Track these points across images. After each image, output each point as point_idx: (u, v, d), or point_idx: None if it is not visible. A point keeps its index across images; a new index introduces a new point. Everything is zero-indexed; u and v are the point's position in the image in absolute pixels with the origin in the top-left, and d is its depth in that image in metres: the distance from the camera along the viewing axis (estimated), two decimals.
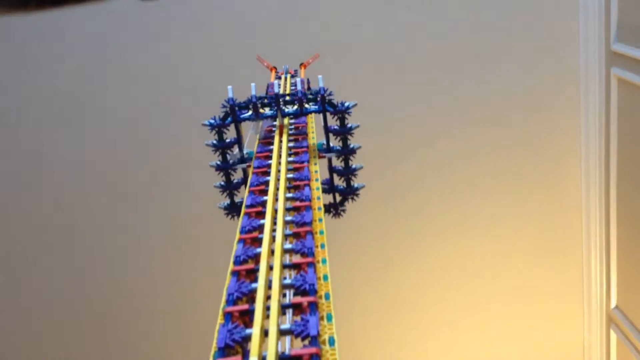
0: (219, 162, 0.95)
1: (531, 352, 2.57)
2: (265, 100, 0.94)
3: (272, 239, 0.65)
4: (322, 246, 0.66)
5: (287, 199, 0.74)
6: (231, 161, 0.94)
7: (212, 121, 0.92)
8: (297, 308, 0.55)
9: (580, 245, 2.45)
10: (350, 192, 0.98)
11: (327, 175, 0.96)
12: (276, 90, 0.97)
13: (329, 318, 0.55)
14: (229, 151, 0.94)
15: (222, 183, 0.96)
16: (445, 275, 2.44)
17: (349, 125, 0.94)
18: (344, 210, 0.99)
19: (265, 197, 0.73)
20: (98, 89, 2.17)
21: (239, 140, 0.94)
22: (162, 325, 2.43)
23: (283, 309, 0.55)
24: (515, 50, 2.21)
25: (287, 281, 0.59)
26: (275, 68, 1.19)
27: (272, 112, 0.94)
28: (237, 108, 0.92)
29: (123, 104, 2.19)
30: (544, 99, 2.26)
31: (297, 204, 0.72)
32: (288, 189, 0.77)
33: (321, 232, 0.69)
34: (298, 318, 0.54)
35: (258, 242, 0.65)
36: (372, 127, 2.18)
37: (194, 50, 2.15)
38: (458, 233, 2.39)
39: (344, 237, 2.31)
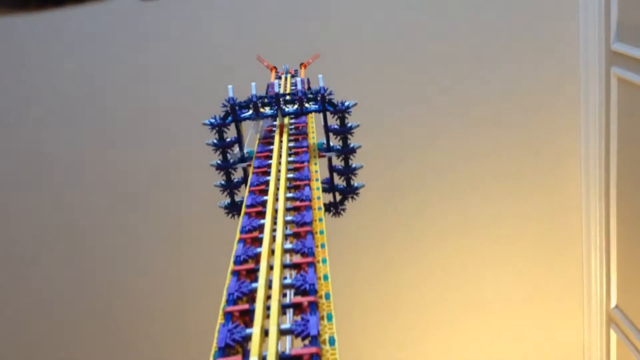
0: (219, 162, 0.95)
1: (531, 352, 2.57)
2: (266, 100, 0.94)
3: (273, 238, 0.65)
4: (322, 246, 0.66)
5: (287, 199, 0.74)
6: (231, 160, 0.94)
7: (213, 120, 0.93)
8: (297, 308, 0.55)
9: (580, 245, 2.45)
10: (350, 192, 0.98)
11: (327, 175, 0.96)
12: (276, 89, 0.97)
13: (329, 318, 0.55)
14: (229, 150, 0.94)
15: (223, 182, 0.97)
16: (445, 275, 2.44)
17: (349, 124, 0.94)
18: (344, 210, 0.99)
19: (265, 197, 0.73)
20: (98, 88, 2.17)
21: (239, 140, 0.94)
22: (162, 325, 2.43)
23: (283, 308, 0.55)
24: (515, 50, 2.21)
25: (288, 281, 0.59)
26: (275, 68, 1.19)
27: (272, 111, 0.94)
28: (237, 107, 0.92)
29: (123, 103, 2.19)
30: (544, 99, 2.26)
31: (298, 203, 0.72)
32: (288, 188, 0.77)
33: (321, 232, 0.69)
34: (298, 318, 0.54)
35: (258, 241, 0.65)
36: (372, 126, 2.18)
37: (194, 50, 2.15)
38: (458, 233, 2.39)
39: (344, 236, 2.31)
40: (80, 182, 2.25)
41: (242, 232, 0.67)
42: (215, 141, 0.93)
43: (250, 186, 0.78)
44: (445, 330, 2.52)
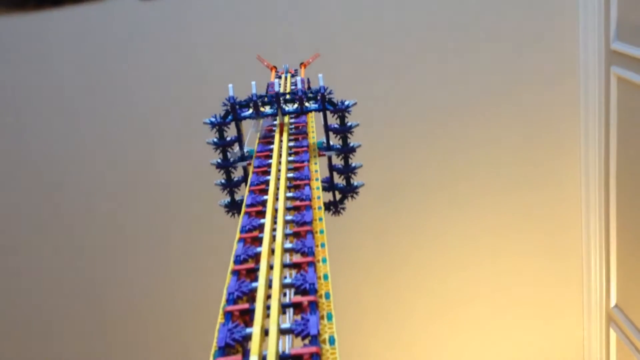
0: (219, 160, 0.95)
1: (531, 351, 2.58)
2: (266, 99, 0.94)
3: (273, 238, 0.65)
4: (323, 245, 0.66)
5: (287, 198, 0.74)
6: (232, 159, 0.94)
7: (213, 119, 0.93)
8: (297, 307, 0.55)
9: (580, 245, 2.46)
10: (350, 190, 0.98)
11: (327, 174, 0.96)
12: (276, 89, 0.97)
13: (329, 317, 0.55)
14: (229, 149, 0.94)
15: (223, 181, 0.97)
16: (445, 274, 2.44)
17: (349, 123, 0.94)
18: (343, 208, 0.99)
19: (265, 197, 0.73)
20: (97, 88, 2.17)
21: (239, 139, 0.94)
22: (162, 325, 2.43)
23: (283, 308, 0.55)
24: (515, 49, 2.21)
25: (288, 280, 0.59)
26: (275, 67, 1.19)
27: (272, 110, 0.94)
28: (237, 106, 0.92)
29: (122, 103, 2.19)
30: (544, 98, 2.26)
31: (298, 203, 0.72)
32: (288, 188, 0.77)
33: (321, 232, 0.69)
34: (298, 317, 0.54)
35: (258, 241, 0.65)
36: (372, 125, 2.18)
37: (193, 50, 2.15)
38: (458, 232, 2.39)
39: (344, 236, 2.31)
40: (80, 182, 2.25)
41: (242, 231, 0.67)
42: (215, 140, 0.94)
43: (250, 185, 0.78)
44: (444, 329, 2.52)
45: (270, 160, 0.84)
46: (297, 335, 0.52)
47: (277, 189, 0.75)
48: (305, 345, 0.51)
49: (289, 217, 0.69)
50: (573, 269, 2.49)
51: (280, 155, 0.85)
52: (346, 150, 0.95)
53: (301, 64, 1.19)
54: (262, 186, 0.77)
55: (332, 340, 0.52)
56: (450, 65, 2.21)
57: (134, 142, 2.22)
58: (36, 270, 2.34)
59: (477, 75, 2.22)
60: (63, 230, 2.30)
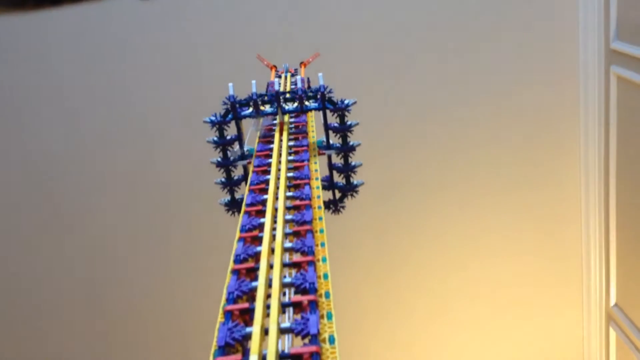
0: (219, 159, 0.95)
1: (531, 350, 2.58)
2: (266, 98, 0.94)
3: (272, 237, 0.65)
4: (322, 245, 0.66)
5: (287, 198, 0.74)
6: (232, 158, 0.94)
7: (213, 118, 0.93)
8: (297, 306, 0.55)
9: (580, 244, 2.46)
10: (349, 189, 0.98)
11: (327, 172, 0.96)
12: (276, 88, 0.97)
13: (329, 316, 0.55)
14: (229, 148, 0.94)
15: (223, 179, 0.97)
16: (445, 273, 2.44)
17: (349, 122, 0.94)
18: (343, 207, 0.99)
19: (265, 196, 0.73)
20: (97, 88, 2.16)
21: (239, 137, 0.94)
22: (162, 325, 2.43)
23: (283, 307, 0.55)
24: (514, 49, 2.20)
25: (287, 280, 0.59)
26: (275, 67, 1.19)
27: (272, 109, 0.94)
28: (237, 105, 0.92)
29: (122, 102, 2.19)
30: (544, 97, 2.26)
31: (297, 202, 0.72)
32: (288, 187, 0.77)
33: (321, 231, 0.68)
34: (298, 316, 0.54)
35: (258, 240, 0.65)
36: (372, 124, 2.18)
37: (193, 49, 2.15)
38: (457, 231, 2.39)
39: (344, 235, 2.31)
40: (79, 181, 2.25)
41: (242, 230, 0.67)
42: (215, 139, 0.94)
43: (250, 185, 0.78)
44: (444, 328, 2.52)
45: (270, 160, 0.84)
46: (297, 334, 0.52)
47: (277, 188, 0.75)
48: (305, 344, 0.51)
49: (288, 217, 0.69)
50: (573, 268, 2.49)
51: (280, 155, 0.85)
52: (346, 149, 0.96)
53: (301, 63, 1.19)
54: (262, 185, 0.77)
55: (332, 340, 0.52)
56: (450, 64, 2.21)
57: (133, 141, 2.22)
58: (36, 270, 2.34)
59: (477, 74, 2.22)
60: (63, 230, 2.30)
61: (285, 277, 0.60)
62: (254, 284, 0.57)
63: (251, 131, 0.95)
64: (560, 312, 2.54)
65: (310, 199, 0.72)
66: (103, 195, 2.27)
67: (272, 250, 0.63)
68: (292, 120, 0.98)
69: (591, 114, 2.23)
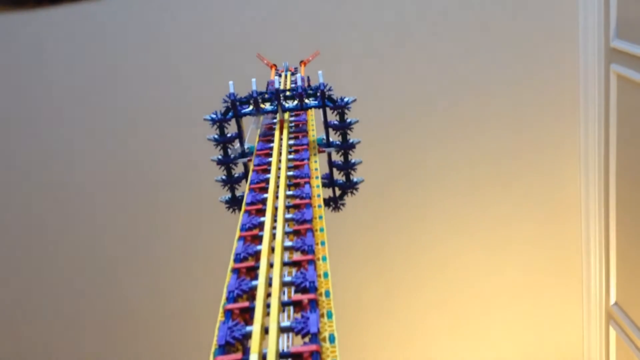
0: (220, 157, 0.95)
1: (531, 349, 2.58)
2: (266, 96, 0.95)
3: (273, 236, 0.65)
4: (322, 244, 0.65)
5: (287, 197, 0.74)
6: (232, 155, 0.94)
7: (214, 116, 0.93)
8: (297, 305, 0.55)
9: (580, 242, 2.46)
10: (349, 187, 0.99)
11: (326, 170, 0.97)
12: (276, 86, 0.97)
13: (329, 315, 0.55)
14: (230, 146, 0.94)
15: (224, 177, 0.97)
16: (445, 273, 2.44)
17: (349, 120, 0.95)
18: (343, 204, 0.99)
19: (265, 195, 0.73)
20: (96, 86, 2.16)
21: (239, 135, 0.94)
22: (161, 324, 2.43)
23: (283, 306, 0.55)
24: (514, 47, 2.20)
25: (288, 278, 0.59)
26: (275, 66, 1.19)
27: (272, 107, 0.94)
28: (238, 103, 0.92)
29: (122, 101, 2.19)
30: (544, 96, 2.26)
31: (297, 201, 0.72)
32: (288, 186, 0.77)
33: (321, 230, 0.68)
34: (298, 315, 0.54)
35: (258, 239, 0.65)
36: (372, 122, 2.18)
37: (193, 48, 2.15)
38: (457, 230, 2.39)
39: (344, 234, 2.31)
40: (79, 180, 2.25)
41: (242, 229, 0.67)
42: (216, 136, 0.94)
43: (250, 184, 0.78)
44: (444, 327, 2.52)
45: (270, 159, 0.83)
46: (297, 333, 0.52)
47: (277, 187, 0.75)
48: (305, 343, 0.51)
49: (289, 215, 0.69)
50: (573, 267, 2.49)
51: (280, 154, 0.85)
52: (346, 147, 0.96)
53: (301, 62, 1.19)
54: (262, 184, 0.77)
55: (332, 339, 0.52)
56: (449, 63, 2.21)
57: (133, 140, 2.22)
58: (36, 270, 2.34)
59: (477, 72, 2.22)
60: (63, 229, 2.30)
61: (285, 275, 0.59)
62: (254, 282, 0.57)
63: (251, 129, 0.95)
64: (560, 311, 2.54)
65: (310, 198, 0.72)
66: (102, 194, 2.27)
67: (272, 249, 0.63)
68: (292, 118, 0.98)
69: (591, 112, 2.23)
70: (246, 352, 0.50)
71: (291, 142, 0.89)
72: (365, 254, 2.40)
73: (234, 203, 0.98)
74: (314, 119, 1.00)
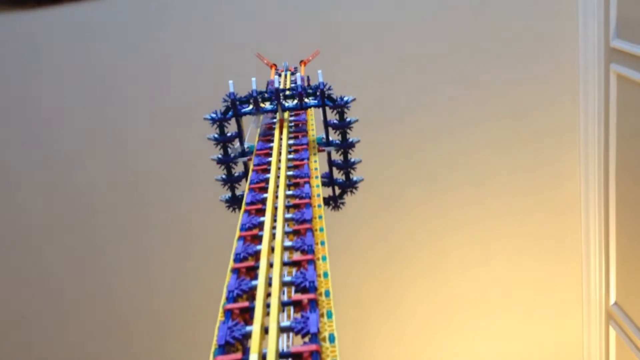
0: (220, 156, 0.95)
1: (530, 349, 2.58)
2: (266, 95, 0.95)
3: (272, 236, 0.65)
4: (322, 243, 0.65)
5: (287, 196, 0.74)
6: (232, 155, 0.95)
7: (214, 115, 0.93)
8: (297, 305, 0.55)
9: (580, 242, 2.46)
10: (349, 185, 0.99)
11: (326, 169, 0.97)
12: (276, 85, 0.98)
13: (329, 315, 0.55)
14: (230, 145, 0.94)
15: (224, 176, 0.97)
16: (445, 272, 2.44)
17: (348, 119, 0.95)
18: (343, 203, 1.00)
19: (265, 195, 0.73)
20: (96, 86, 2.16)
21: (239, 134, 0.94)
22: (161, 324, 2.43)
23: (283, 306, 0.55)
24: (514, 47, 2.20)
25: (287, 278, 0.58)
26: (275, 65, 1.19)
27: (272, 106, 0.94)
28: (238, 102, 0.93)
29: (122, 101, 2.19)
30: (543, 95, 2.26)
31: (297, 201, 0.72)
32: (288, 186, 0.77)
33: (321, 230, 0.68)
34: (298, 315, 0.54)
35: (258, 239, 0.65)
36: (371, 121, 2.18)
37: (193, 48, 2.14)
38: (457, 229, 2.39)
39: (344, 233, 2.31)
40: (78, 179, 2.25)
41: (241, 229, 0.67)
42: (216, 136, 0.94)
43: (250, 183, 0.78)
44: (444, 327, 2.52)
45: (269, 158, 0.84)
46: (297, 333, 0.52)
47: (277, 186, 0.75)
48: (305, 343, 0.51)
49: (288, 215, 0.69)
50: (572, 267, 2.49)
51: (279, 153, 0.85)
52: (345, 146, 0.96)
53: (301, 61, 1.19)
54: (262, 184, 0.77)
55: (332, 338, 0.52)
56: (449, 63, 2.21)
57: (133, 140, 2.22)
58: (37, 270, 2.34)
59: (476, 72, 2.22)
60: (62, 229, 2.30)
61: (285, 275, 0.59)
62: (253, 282, 0.57)
63: (251, 128, 0.95)
64: (560, 311, 2.54)
65: (310, 198, 0.72)
66: (102, 194, 2.27)
67: (272, 249, 0.63)
68: (291, 118, 0.98)
69: (591, 112, 2.23)
70: (246, 352, 0.50)
71: (291, 141, 0.89)
72: (366, 254, 2.40)
73: (234, 202, 0.99)
74: (313, 119, 1.00)
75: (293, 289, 0.58)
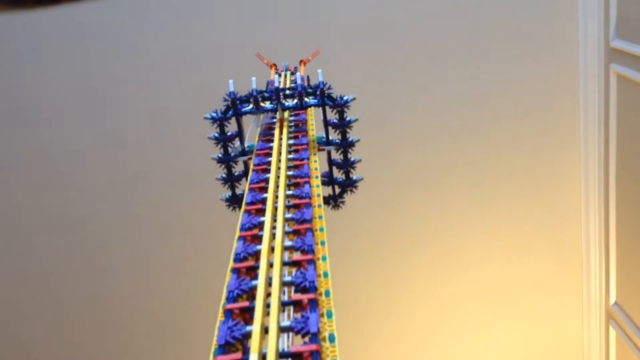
0: (220, 155, 0.95)
1: (531, 349, 2.58)
2: (266, 94, 0.95)
3: (272, 236, 0.64)
4: (322, 243, 0.65)
5: (287, 196, 0.73)
6: (232, 154, 0.95)
7: (214, 114, 0.93)
8: (297, 305, 0.55)
9: (580, 242, 2.46)
10: (349, 184, 0.99)
11: (326, 168, 0.97)
12: (276, 84, 0.98)
13: (329, 315, 0.54)
14: (230, 144, 0.94)
15: (224, 175, 0.97)
16: (445, 271, 2.44)
17: (348, 118, 0.95)
18: (342, 202, 0.99)
19: (265, 195, 0.73)
20: (96, 86, 2.16)
21: (240, 133, 0.94)
22: (162, 324, 2.42)
23: (283, 306, 0.55)
24: (514, 47, 2.20)
25: (288, 278, 0.58)
26: (275, 65, 1.19)
27: (272, 105, 0.94)
28: (238, 102, 0.93)
29: (122, 100, 2.19)
30: (543, 95, 2.26)
31: (297, 201, 0.72)
32: (288, 186, 0.77)
33: (321, 230, 0.68)
34: (298, 315, 0.54)
35: (258, 239, 0.65)
36: (371, 120, 2.18)
37: (193, 48, 2.14)
38: (457, 229, 2.39)
39: (344, 233, 2.31)
40: (78, 180, 2.25)
41: (242, 229, 0.66)
42: (216, 135, 0.94)
43: (250, 183, 0.78)
44: (443, 327, 2.52)
45: (270, 158, 0.83)
46: (297, 333, 0.52)
47: (277, 186, 0.75)
48: (305, 343, 0.51)
49: (288, 215, 0.69)
50: (573, 267, 2.49)
51: (279, 153, 0.84)
52: (345, 145, 0.96)
53: (301, 61, 1.19)
54: (262, 184, 0.77)
55: (332, 338, 0.52)
56: (449, 63, 2.21)
57: (133, 139, 2.22)
58: (37, 270, 2.33)
59: (476, 72, 2.22)
60: (62, 229, 2.30)
61: (285, 275, 0.59)
62: (254, 282, 0.57)
63: (252, 127, 0.95)
64: (560, 311, 2.54)
65: (310, 198, 0.72)
66: (102, 194, 2.27)
67: (272, 249, 0.62)
68: (291, 118, 0.98)
69: (591, 112, 2.23)
70: (246, 351, 0.50)
71: (291, 141, 0.89)
72: (366, 254, 2.40)
73: (234, 201, 0.99)
74: (313, 118, 1.00)
75: (293, 288, 0.58)
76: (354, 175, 0.99)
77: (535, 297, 2.50)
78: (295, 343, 0.52)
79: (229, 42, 2.12)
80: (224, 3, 2.10)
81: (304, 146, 0.87)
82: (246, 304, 0.55)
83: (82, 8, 2.03)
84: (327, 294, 0.57)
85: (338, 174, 0.99)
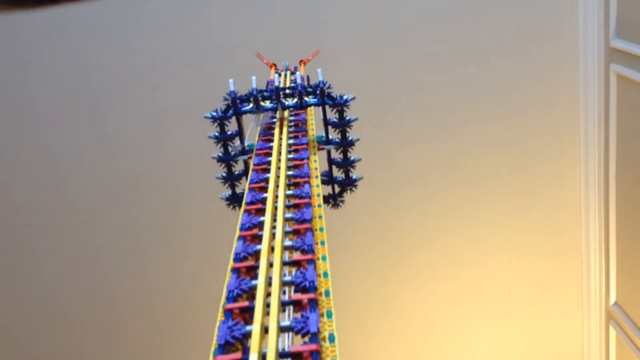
0: (220, 154, 0.95)
1: (531, 348, 2.58)
2: (266, 93, 0.95)
3: (272, 235, 0.64)
4: (322, 243, 0.65)
5: (287, 196, 0.73)
6: (232, 153, 0.95)
7: (214, 114, 0.93)
8: (297, 305, 0.55)
9: (580, 242, 2.46)
10: (348, 184, 0.99)
11: (326, 167, 0.97)
12: (276, 84, 0.98)
13: (329, 315, 0.54)
14: (230, 143, 0.95)
15: (224, 174, 0.97)
16: (445, 271, 2.44)
17: (348, 117, 0.95)
18: (342, 201, 1.00)
19: (265, 194, 0.73)
20: (96, 85, 2.16)
21: (240, 133, 0.94)
22: (162, 324, 2.42)
23: (283, 305, 0.55)
24: (514, 47, 2.20)
25: (287, 278, 0.58)
26: (275, 65, 1.19)
27: (272, 105, 0.94)
28: (238, 101, 0.93)
29: (123, 100, 2.19)
30: (544, 95, 2.26)
31: (297, 201, 0.72)
32: (288, 185, 0.77)
33: (321, 229, 0.68)
34: (298, 315, 0.54)
35: (258, 239, 0.65)
36: (371, 120, 2.18)
37: (194, 48, 2.14)
38: (457, 228, 2.39)
39: (344, 233, 2.31)
40: (79, 180, 2.25)
41: (241, 229, 0.66)
42: (216, 134, 0.94)
43: (250, 183, 0.78)
44: (443, 326, 2.52)
45: (269, 158, 0.83)
46: (297, 332, 0.52)
47: (277, 186, 0.75)
48: (305, 342, 0.51)
49: (288, 215, 0.69)
50: (573, 267, 2.49)
51: (279, 153, 0.84)
52: (345, 144, 0.96)
53: (301, 61, 1.19)
54: (262, 184, 0.77)
55: (332, 338, 0.52)
56: (449, 63, 2.21)
57: (133, 139, 2.22)
58: (36, 270, 2.33)
59: (476, 72, 2.22)
60: (62, 229, 2.30)
61: (285, 275, 0.59)
62: (253, 282, 0.57)
63: (252, 127, 0.95)
64: (560, 311, 2.54)
65: (310, 197, 0.72)
66: (102, 193, 2.27)
67: (272, 249, 0.62)
68: (291, 117, 0.98)
69: (591, 112, 2.23)
70: (246, 351, 0.50)
71: (291, 141, 0.89)
72: (366, 254, 2.40)
73: (234, 200, 0.99)
74: (313, 118, 1.00)
75: (293, 288, 0.58)
76: (354, 174, 0.99)
77: (535, 297, 2.50)
78: (295, 343, 0.52)
79: (229, 42, 2.12)
80: (223, 3, 2.10)
81: (304, 146, 0.87)
82: (246, 303, 0.55)
83: (82, 8, 2.03)
84: (327, 293, 0.57)
85: (338, 173, 0.99)
